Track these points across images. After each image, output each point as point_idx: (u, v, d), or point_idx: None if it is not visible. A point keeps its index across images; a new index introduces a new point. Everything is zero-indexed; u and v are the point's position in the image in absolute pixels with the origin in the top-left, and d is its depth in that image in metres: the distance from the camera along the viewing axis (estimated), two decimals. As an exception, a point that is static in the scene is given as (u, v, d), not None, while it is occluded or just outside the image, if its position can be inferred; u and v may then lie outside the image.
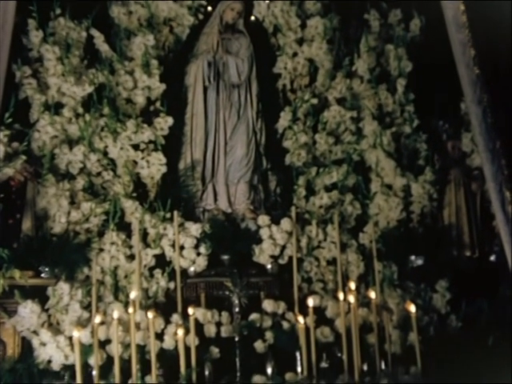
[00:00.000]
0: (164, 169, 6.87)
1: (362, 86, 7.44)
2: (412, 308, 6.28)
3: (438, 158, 7.43)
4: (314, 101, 7.39)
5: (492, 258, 7.30)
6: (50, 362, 6.14)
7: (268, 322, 6.33)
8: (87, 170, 6.75)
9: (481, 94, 6.46)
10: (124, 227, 6.64)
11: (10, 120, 6.49)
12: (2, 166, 6.40)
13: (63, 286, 6.30)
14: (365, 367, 6.23)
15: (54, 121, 6.71)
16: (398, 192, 7.09)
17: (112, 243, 6.52)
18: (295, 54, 7.55)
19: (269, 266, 6.68)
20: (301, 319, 6.12)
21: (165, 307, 6.43)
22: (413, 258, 6.92)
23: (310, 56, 7.53)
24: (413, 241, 6.98)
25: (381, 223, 7.01)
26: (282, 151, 7.33)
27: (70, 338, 6.04)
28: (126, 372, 5.82)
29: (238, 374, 6.05)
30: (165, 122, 6.96)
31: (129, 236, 6.62)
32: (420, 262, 6.93)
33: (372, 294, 6.36)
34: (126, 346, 5.99)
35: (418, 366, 6.17)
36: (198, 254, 6.61)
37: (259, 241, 6.73)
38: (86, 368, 5.94)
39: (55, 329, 6.25)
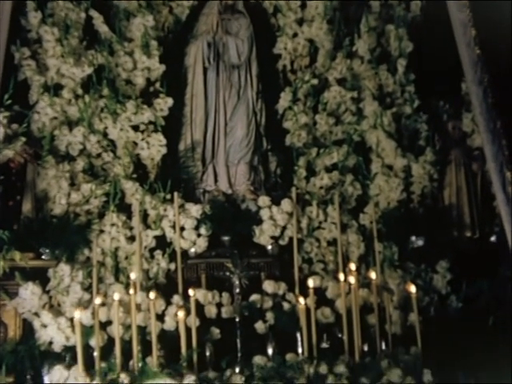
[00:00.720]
0: (164, 150, 6.87)
1: (362, 66, 7.39)
2: (412, 289, 6.29)
3: (438, 138, 7.40)
4: (315, 81, 7.36)
5: (492, 238, 7.28)
6: (51, 343, 6.16)
7: (268, 303, 6.34)
8: (87, 151, 6.75)
9: (481, 74, 6.45)
10: (124, 208, 6.65)
11: (9, 102, 6.49)
12: (2, 147, 6.39)
13: (64, 268, 6.30)
14: (365, 348, 6.26)
15: (53, 102, 6.70)
16: (398, 172, 7.07)
17: (112, 225, 6.53)
18: (295, 35, 7.52)
19: (269, 247, 6.68)
20: (301, 300, 6.15)
21: (165, 288, 6.45)
22: (413, 238, 6.90)
23: (310, 36, 7.49)
24: (413, 221, 6.96)
25: (381, 204, 7.00)
26: (282, 132, 7.32)
27: (71, 320, 6.06)
28: (126, 353, 5.86)
29: (239, 355, 6.06)
30: (164, 103, 6.95)
31: (129, 217, 6.62)
32: (420, 242, 6.91)
33: (372, 275, 6.37)
34: (127, 328, 6.01)
35: (418, 346, 6.18)
36: (199, 235, 6.61)
37: (259, 222, 6.72)
38: (87, 349, 5.96)
39: (56, 310, 6.26)
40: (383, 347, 6.27)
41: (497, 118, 6.38)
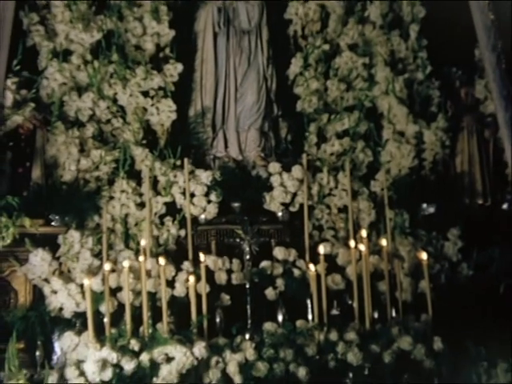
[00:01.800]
0: (174, 116, 6.82)
1: (374, 31, 7.33)
2: (423, 256, 6.27)
3: (450, 104, 7.35)
4: (326, 47, 7.30)
5: (504, 206, 7.25)
6: (61, 309, 6.16)
7: (279, 270, 6.32)
8: (96, 117, 6.72)
9: (495, 40, 6.38)
10: (134, 175, 6.63)
11: (18, 67, 6.48)
12: (11, 113, 6.38)
13: (74, 234, 6.30)
14: (375, 315, 6.23)
15: (62, 68, 6.67)
16: (410, 139, 7.02)
17: (122, 191, 6.51)
18: (306, 0, 7.42)
19: (280, 214, 6.67)
20: (312, 266, 6.13)
21: (175, 255, 6.44)
22: (424, 205, 6.88)
23: (321, 1, 7.41)
24: (425, 188, 6.94)
25: (392, 171, 6.96)
26: (293, 98, 7.26)
27: (81, 286, 6.05)
28: (137, 319, 5.86)
29: (249, 321, 6.05)
30: (174, 69, 6.91)
31: (139, 184, 6.61)
32: (432, 209, 6.89)
33: (383, 242, 6.35)
34: (137, 294, 6.01)
35: (428, 313, 6.17)
36: (209, 202, 6.60)
37: (270, 188, 6.71)
38: (98, 315, 5.98)
39: (66, 276, 6.26)
40: (393, 314, 6.27)
41: (510, 85, 6.32)
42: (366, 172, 7.02)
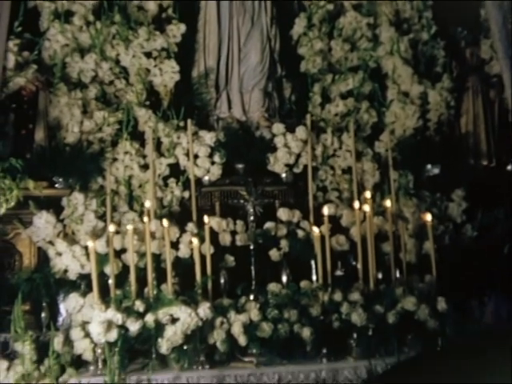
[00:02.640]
0: (177, 77, 6.78)
1: (378, -10, 7.25)
2: (428, 217, 6.25)
3: (455, 64, 7.29)
4: (330, 7, 7.22)
5: (509, 167, 7.21)
6: (66, 271, 6.16)
7: (283, 231, 6.32)
8: (99, 78, 6.68)
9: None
10: (137, 136, 6.60)
11: (19, 29, 6.41)
12: (13, 75, 6.34)
13: (77, 196, 6.29)
14: (380, 275, 6.25)
15: (64, 29, 6.61)
16: (414, 99, 6.98)
17: (126, 153, 6.49)
18: (310, -41, 7.35)
19: (283, 175, 6.65)
20: (316, 228, 6.12)
21: (179, 216, 6.43)
22: (429, 166, 6.86)
23: (325, -40, 7.32)
24: (429, 149, 6.91)
25: (397, 131, 6.93)
26: (296, 58, 7.19)
27: (86, 248, 6.05)
28: (141, 280, 5.88)
29: (253, 282, 6.08)
30: (177, 29, 6.85)
31: (142, 145, 6.58)
32: (436, 170, 6.87)
33: (387, 203, 6.34)
34: (142, 255, 6.01)
35: (432, 274, 6.17)
36: (213, 163, 6.58)
37: (274, 149, 6.68)
38: (102, 277, 5.98)
39: (71, 239, 6.26)
40: (398, 275, 6.26)
41: (516, 45, 6.27)
42: (370, 133, 6.98)
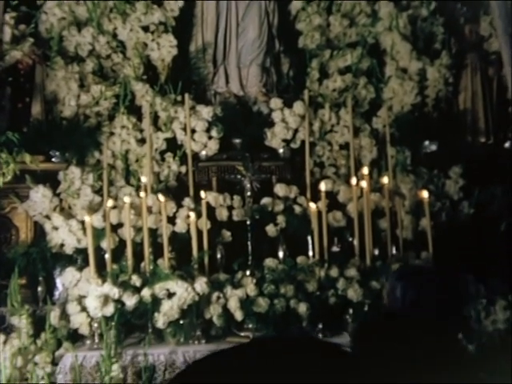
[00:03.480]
0: (175, 51, 6.73)
1: (377, -34, 7.18)
2: (425, 194, 6.25)
3: (454, 41, 7.24)
4: (329, -19, 7.17)
5: (507, 144, 7.19)
6: (62, 245, 6.17)
7: (280, 206, 6.32)
8: (96, 52, 6.65)
9: (501, -25, 6.26)
10: (134, 110, 6.58)
11: (16, 2, 6.38)
12: (10, 48, 6.30)
13: (74, 171, 6.28)
14: (376, 252, 6.24)
15: (61, 2, 6.58)
16: (413, 76, 6.93)
17: (123, 127, 6.47)
18: None
19: (281, 150, 6.63)
20: (313, 203, 6.12)
21: (176, 191, 6.43)
22: (426, 143, 6.83)
23: None
24: (427, 126, 6.87)
25: (395, 107, 6.89)
26: (295, 33, 7.14)
27: (82, 222, 6.05)
28: (138, 255, 5.89)
29: (250, 258, 6.07)
30: (175, 3, 6.81)
31: (139, 119, 6.56)
32: (434, 147, 6.84)
33: (385, 179, 6.34)
34: (138, 230, 6.02)
35: (429, 251, 6.18)
36: (210, 138, 6.56)
37: (271, 124, 6.65)
38: (99, 251, 5.99)
39: (67, 213, 6.25)
40: (394, 252, 6.27)
41: (515, 22, 6.23)
42: (368, 109, 6.94)
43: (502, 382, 3.31)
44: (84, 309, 5.61)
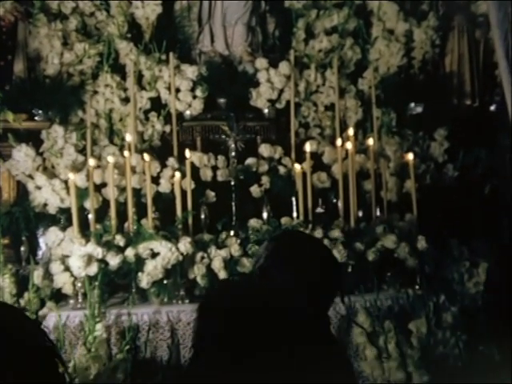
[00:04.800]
0: (159, 9, 6.61)
1: None
2: (410, 156, 6.25)
3: (442, 3, 7.19)
4: None
5: (492, 107, 7.18)
6: (45, 205, 6.14)
7: (264, 167, 6.29)
8: (80, 9, 6.54)
9: None
10: (118, 69, 6.50)
11: (-4, -43, 6.25)
12: (-10, 4, 6.20)
13: (57, 129, 6.22)
14: (360, 213, 6.25)
15: (43, -43, 6.46)
16: (399, 37, 6.88)
17: (106, 85, 6.40)
18: None
19: (266, 110, 6.57)
20: (297, 164, 6.10)
21: (160, 151, 6.39)
22: (412, 105, 6.81)
23: None
24: (413, 88, 6.86)
25: (381, 69, 6.85)
26: (281, -7, 7.07)
27: (66, 182, 6.03)
28: (121, 215, 5.87)
29: (234, 218, 6.07)
30: (160, -40, 6.70)
31: (123, 78, 6.49)
32: (419, 109, 6.83)
33: (370, 141, 6.32)
34: (122, 190, 5.99)
35: (413, 213, 6.18)
36: (194, 97, 6.49)
37: (256, 84, 6.59)
38: (82, 211, 5.96)
39: (50, 172, 6.22)
40: (378, 213, 6.27)
41: (503, -17, 6.18)
42: (353, 70, 6.88)
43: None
44: (67, 268, 5.59)
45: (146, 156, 5.88)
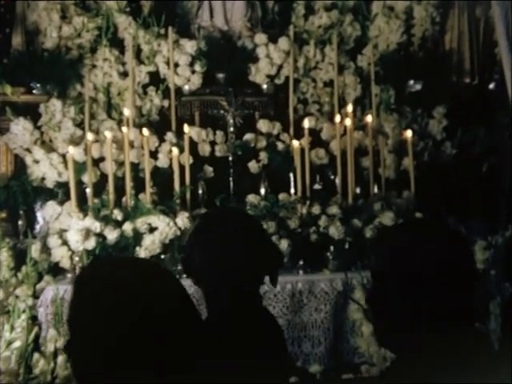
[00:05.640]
0: (158, -18, 6.61)
1: None
2: (408, 133, 6.25)
3: (442, -20, 7.16)
4: None
5: (491, 85, 7.16)
6: (43, 179, 6.14)
7: (262, 143, 6.29)
8: (78, -18, 6.51)
9: None
10: (117, 43, 6.48)
11: None
12: (-11, -23, 6.17)
13: (55, 103, 6.22)
14: (358, 190, 6.25)
15: None
16: (399, 14, 6.84)
17: (105, 59, 6.38)
18: None
19: (264, 86, 6.55)
20: (295, 140, 6.10)
21: (158, 126, 6.37)
22: (411, 82, 6.78)
23: None
24: (412, 65, 6.82)
25: (380, 46, 6.81)
26: (281, -33, 7.03)
27: (64, 156, 6.03)
28: (119, 189, 5.87)
29: (232, 194, 6.08)
30: None
31: (122, 52, 6.47)
32: (418, 86, 6.80)
33: (368, 118, 6.31)
34: (120, 164, 5.99)
35: (411, 190, 6.19)
36: (193, 72, 6.47)
37: (255, 59, 6.56)
38: (80, 185, 5.96)
39: (48, 146, 6.21)
40: (376, 190, 6.27)
41: (505, -41, 6.16)
42: (353, 46, 6.84)
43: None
44: (65, 242, 5.61)
45: (145, 131, 5.87)
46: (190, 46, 6.47)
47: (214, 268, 2.65)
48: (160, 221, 5.57)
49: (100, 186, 5.99)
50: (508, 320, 5.31)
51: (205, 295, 2.70)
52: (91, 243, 5.53)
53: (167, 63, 6.42)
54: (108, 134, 5.84)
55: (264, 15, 6.91)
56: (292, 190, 6.14)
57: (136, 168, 6.01)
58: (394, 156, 6.45)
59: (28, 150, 6.15)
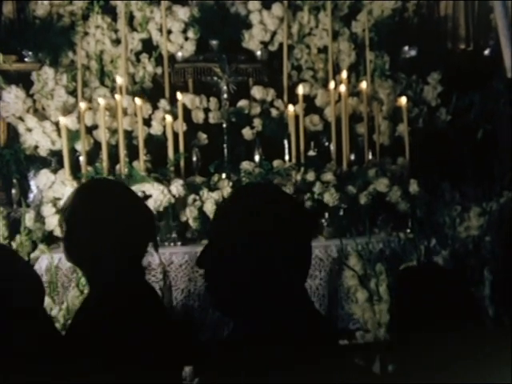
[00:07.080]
0: None
1: None
2: (403, 100, 6.22)
3: None
4: None
5: (486, 51, 7.13)
6: (36, 147, 6.12)
7: (256, 109, 6.26)
8: None
9: None
10: (109, 10, 6.41)
11: None
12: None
13: (48, 71, 6.18)
14: (352, 157, 6.24)
15: None
16: (394, -21, 6.81)
17: (97, 27, 6.33)
18: None
19: (258, 53, 6.49)
20: (290, 107, 6.07)
21: (152, 93, 6.33)
22: (406, 48, 6.74)
23: None
24: (407, 31, 6.79)
25: (375, 12, 6.74)
26: None
27: (57, 124, 6.01)
28: (113, 157, 5.85)
29: (226, 161, 6.06)
30: None
31: (114, 19, 6.40)
32: (413, 53, 6.76)
33: (363, 84, 6.28)
34: (113, 132, 5.96)
35: (406, 157, 6.18)
36: (186, 39, 6.42)
37: (249, 26, 6.51)
38: (73, 153, 5.94)
39: (41, 114, 6.18)
40: (370, 157, 6.26)
41: None
42: (347, 12, 6.78)
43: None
44: (59, 211, 5.58)
45: (137, 100, 5.84)
46: (182, 12, 6.42)
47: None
48: (154, 188, 5.56)
49: (93, 154, 5.98)
50: (502, 286, 5.31)
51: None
52: (85, 210, 5.50)
53: (160, 30, 6.37)
54: (101, 102, 5.81)
55: (257, -19, 6.87)
56: (286, 157, 6.13)
57: (129, 135, 5.98)
58: (389, 122, 6.42)
59: (20, 119, 6.12)
